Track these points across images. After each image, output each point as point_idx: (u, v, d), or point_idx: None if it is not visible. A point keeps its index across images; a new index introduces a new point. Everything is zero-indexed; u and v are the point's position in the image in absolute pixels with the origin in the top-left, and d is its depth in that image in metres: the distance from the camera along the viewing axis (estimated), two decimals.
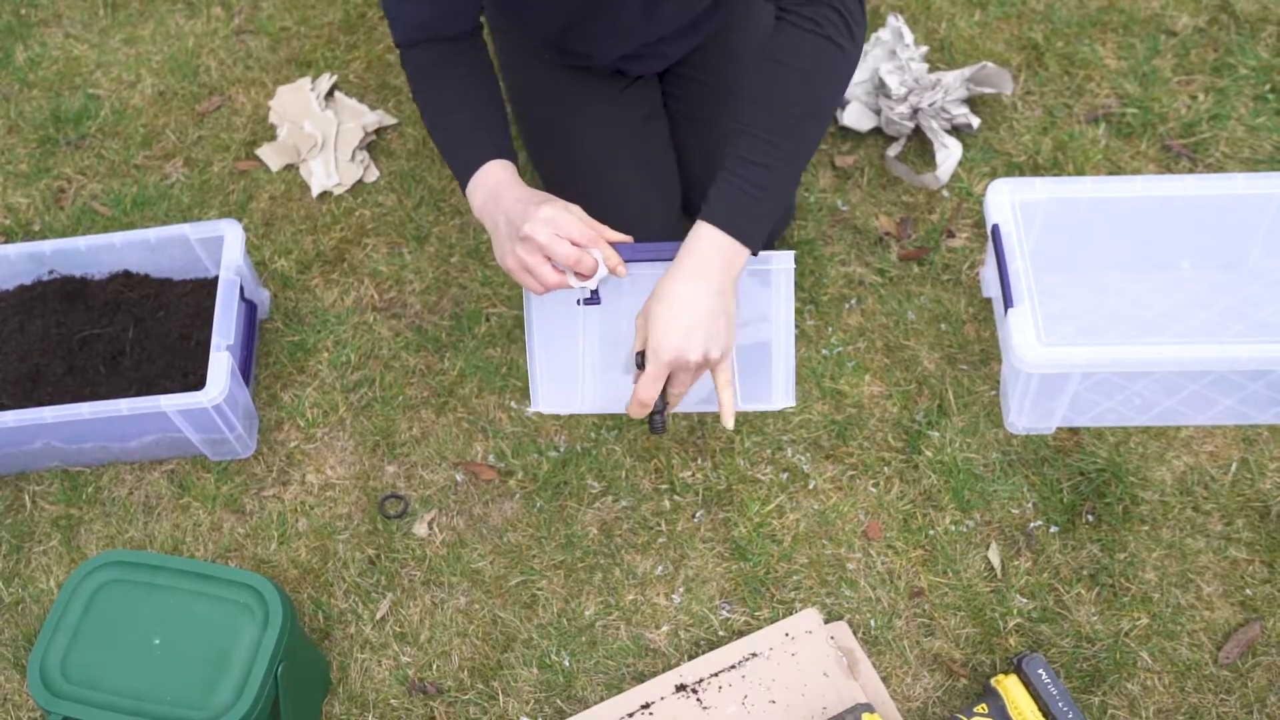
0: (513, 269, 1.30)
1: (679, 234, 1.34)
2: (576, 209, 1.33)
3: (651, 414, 1.35)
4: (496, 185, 1.33)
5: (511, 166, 1.36)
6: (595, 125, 1.69)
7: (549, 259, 1.29)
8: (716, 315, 1.25)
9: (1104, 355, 1.51)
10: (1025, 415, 1.62)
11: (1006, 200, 1.64)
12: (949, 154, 1.90)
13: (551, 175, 1.81)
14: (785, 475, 1.64)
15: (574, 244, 1.28)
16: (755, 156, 1.24)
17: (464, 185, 1.37)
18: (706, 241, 1.24)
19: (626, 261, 1.33)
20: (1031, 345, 1.51)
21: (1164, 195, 1.66)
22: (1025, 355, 1.51)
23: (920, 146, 1.97)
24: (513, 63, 1.79)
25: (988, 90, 1.97)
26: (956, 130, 1.97)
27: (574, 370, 1.48)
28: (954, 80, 1.96)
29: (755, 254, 1.26)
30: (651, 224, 1.72)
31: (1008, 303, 1.55)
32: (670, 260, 1.30)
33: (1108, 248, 1.73)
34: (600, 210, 1.72)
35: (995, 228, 1.62)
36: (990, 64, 1.98)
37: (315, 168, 2.01)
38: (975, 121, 1.95)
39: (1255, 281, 1.75)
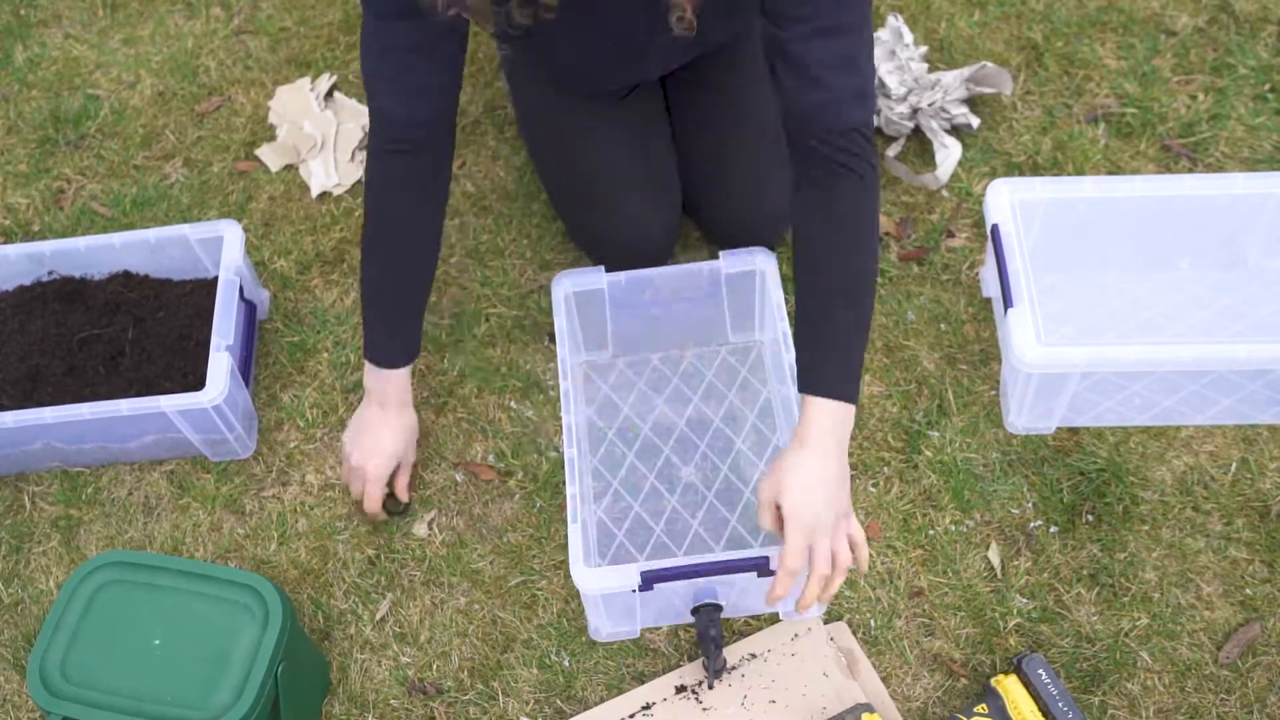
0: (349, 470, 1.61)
1: (675, 240, 1.42)
2: (405, 465, 1.63)
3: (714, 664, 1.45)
4: (386, 392, 1.57)
5: (409, 373, 1.58)
6: (596, 133, 1.70)
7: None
8: (843, 479, 1.34)
9: (1103, 355, 1.51)
10: (1025, 415, 1.62)
11: (1006, 200, 1.64)
12: (948, 154, 1.90)
13: (553, 181, 1.81)
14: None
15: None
16: (834, 324, 1.34)
17: (372, 359, 1.55)
18: (815, 414, 1.32)
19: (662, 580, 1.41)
20: (1031, 345, 1.51)
21: (1163, 195, 1.66)
22: (1025, 355, 1.51)
23: (920, 146, 1.97)
24: (516, 73, 1.79)
25: (987, 90, 1.97)
26: (956, 130, 1.97)
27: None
28: (953, 80, 1.96)
29: (853, 402, 1.34)
30: (653, 231, 1.72)
31: (1007, 303, 1.55)
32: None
33: (1107, 248, 1.74)
34: (601, 216, 1.73)
35: (995, 228, 1.62)
36: (990, 64, 1.98)
37: (315, 168, 2.01)
38: (975, 121, 1.95)
39: (1254, 281, 1.75)
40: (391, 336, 1.54)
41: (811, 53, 1.28)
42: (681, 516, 1.61)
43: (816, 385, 1.32)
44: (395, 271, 1.51)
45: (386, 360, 1.54)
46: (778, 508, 1.31)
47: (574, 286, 1.65)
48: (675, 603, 1.46)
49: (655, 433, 1.68)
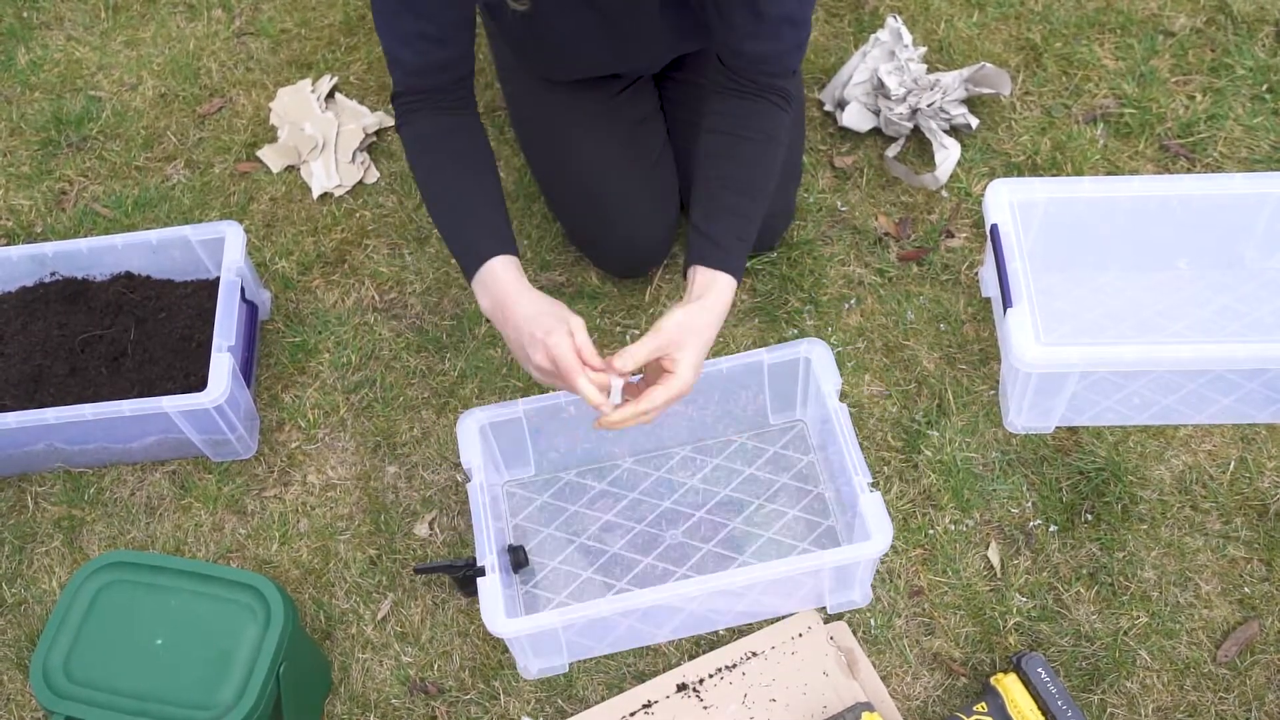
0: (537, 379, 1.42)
1: (674, 240, 1.40)
2: (577, 324, 1.36)
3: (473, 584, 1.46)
4: (502, 294, 1.40)
5: (513, 264, 1.42)
6: (590, 133, 1.70)
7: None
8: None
9: (1102, 354, 1.52)
10: (1024, 415, 1.63)
11: (1005, 200, 1.65)
12: (948, 154, 1.91)
13: (549, 183, 1.81)
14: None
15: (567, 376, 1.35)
16: (740, 210, 1.44)
17: (468, 276, 1.43)
18: (725, 288, 1.41)
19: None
20: (1030, 345, 1.52)
21: (1162, 195, 1.66)
22: (1024, 355, 1.51)
23: (919, 147, 1.98)
24: (508, 72, 1.80)
25: (986, 91, 1.97)
26: (955, 130, 1.98)
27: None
28: (953, 81, 1.96)
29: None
30: (650, 230, 1.73)
31: (1006, 302, 1.55)
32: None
33: (1106, 247, 1.74)
34: (597, 218, 1.73)
35: (994, 228, 1.62)
36: (989, 64, 1.98)
37: (316, 169, 2.01)
38: (974, 122, 1.96)
39: (1252, 280, 1.75)
40: (473, 236, 1.43)
41: (778, 7, 1.39)
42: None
43: (727, 262, 1.41)
44: (454, 184, 1.46)
45: (475, 259, 1.41)
46: (664, 357, 1.36)
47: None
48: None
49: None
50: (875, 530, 1.40)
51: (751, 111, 1.45)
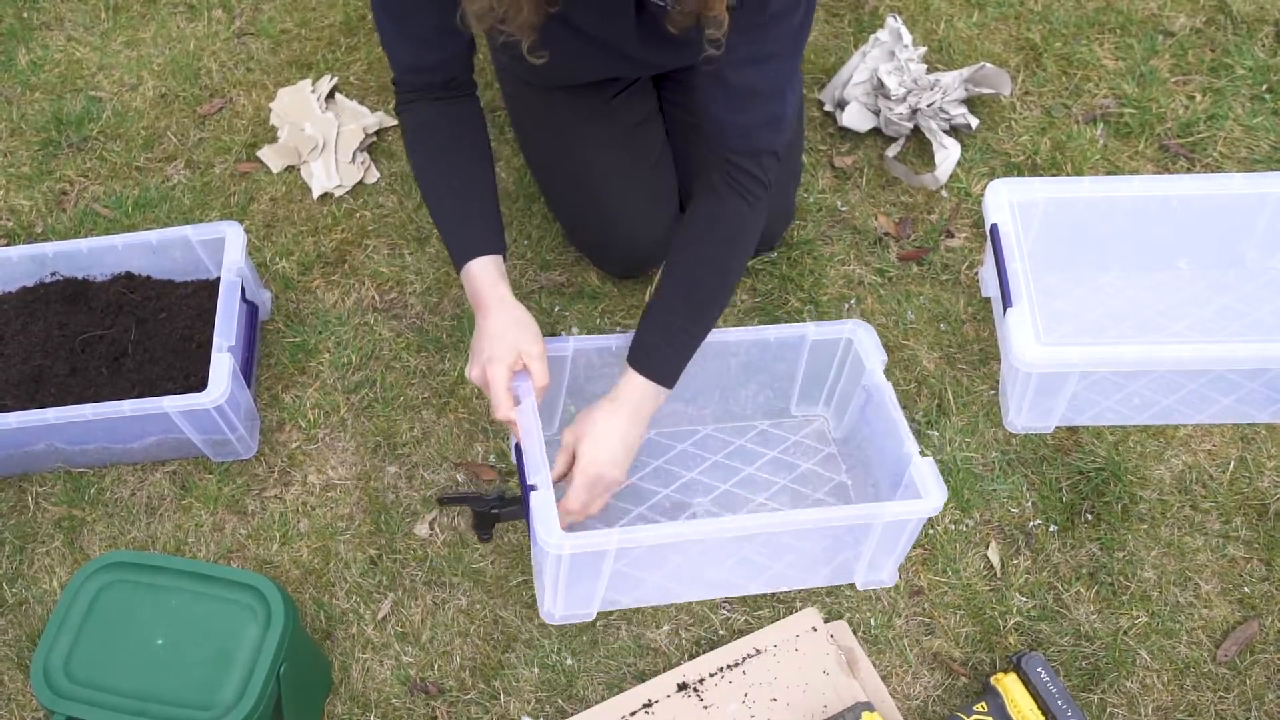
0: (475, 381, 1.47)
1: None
2: (530, 353, 1.43)
3: (492, 525, 1.57)
4: (477, 298, 1.46)
5: (493, 265, 1.46)
6: (590, 134, 1.70)
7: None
8: (632, 447, 1.46)
9: (1103, 354, 1.52)
10: (1024, 415, 1.63)
11: (1005, 200, 1.65)
12: (948, 154, 1.91)
13: (549, 184, 1.82)
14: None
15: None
16: (678, 322, 1.46)
17: (456, 268, 1.48)
18: (636, 386, 1.45)
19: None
20: (1030, 345, 1.52)
21: (1161, 195, 1.66)
22: (1024, 355, 1.51)
23: (919, 147, 1.98)
24: (508, 73, 1.80)
25: (986, 91, 1.98)
26: (955, 131, 1.98)
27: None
28: (952, 81, 1.96)
29: (670, 389, 1.47)
30: (650, 230, 1.73)
31: (1006, 302, 1.55)
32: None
33: (1106, 247, 1.74)
34: (597, 218, 1.73)
35: (994, 228, 1.63)
36: (988, 64, 1.98)
37: (316, 169, 2.01)
38: (974, 122, 1.96)
39: (1252, 280, 1.75)
40: (461, 232, 1.48)
41: (741, 78, 1.37)
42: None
43: (649, 367, 1.45)
44: (448, 174, 1.49)
45: (460, 256, 1.47)
46: (573, 454, 1.44)
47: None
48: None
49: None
50: (928, 492, 1.41)
51: (718, 215, 1.46)
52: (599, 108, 1.70)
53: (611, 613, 1.55)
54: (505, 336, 1.42)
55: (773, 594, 1.55)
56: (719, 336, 1.57)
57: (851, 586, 1.55)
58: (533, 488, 1.39)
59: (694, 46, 1.33)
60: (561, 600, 1.49)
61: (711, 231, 1.46)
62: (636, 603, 1.52)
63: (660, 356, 1.45)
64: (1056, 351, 1.52)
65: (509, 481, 1.67)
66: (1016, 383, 1.58)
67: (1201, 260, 1.76)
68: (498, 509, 1.52)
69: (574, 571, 1.43)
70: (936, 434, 1.67)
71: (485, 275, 1.45)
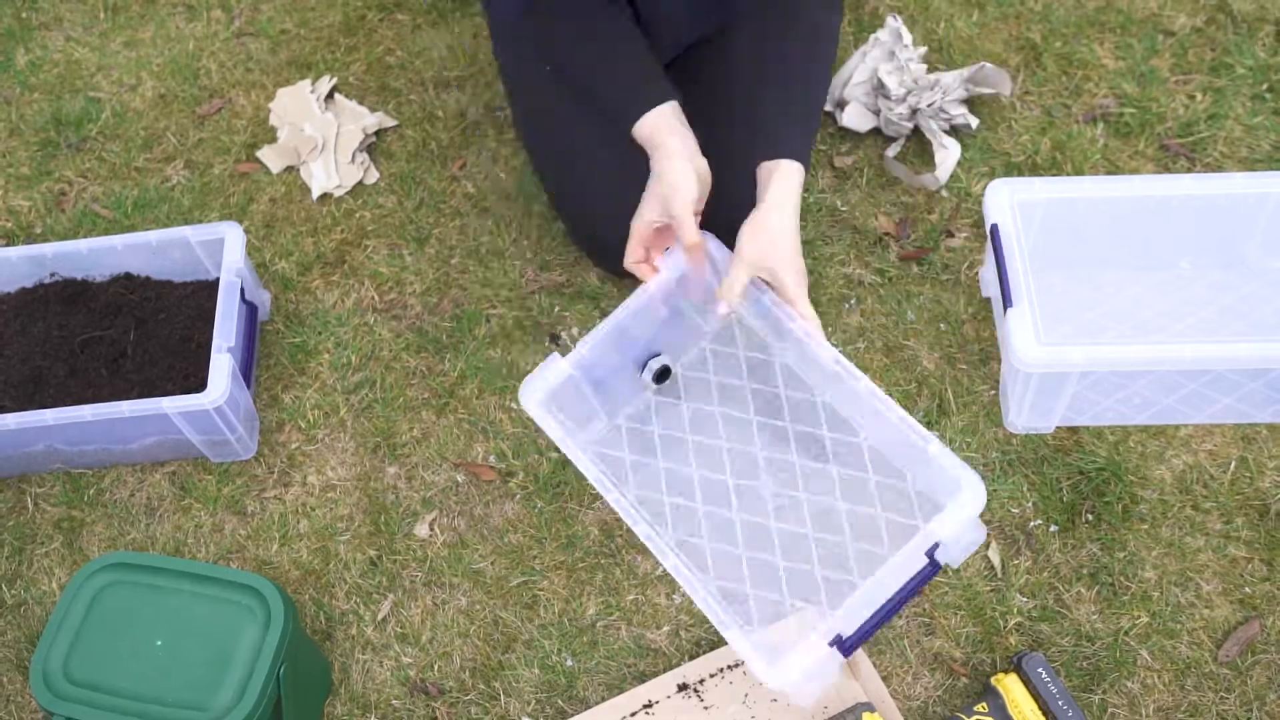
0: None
1: None
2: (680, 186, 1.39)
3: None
4: (662, 141, 1.42)
5: (672, 109, 1.42)
6: (594, 131, 1.70)
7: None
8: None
9: (1103, 354, 1.52)
10: (1025, 415, 1.63)
11: (1005, 200, 1.65)
12: (948, 154, 1.91)
13: (552, 181, 1.81)
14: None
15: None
16: (785, 92, 1.43)
17: (630, 124, 1.45)
18: (797, 178, 1.40)
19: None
20: (1031, 345, 1.51)
21: (1162, 195, 1.66)
22: (1025, 355, 1.51)
23: (919, 147, 1.98)
24: (512, 69, 1.80)
25: (986, 90, 1.97)
26: (955, 130, 1.98)
27: None
28: (952, 81, 1.96)
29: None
30: None
31: (1007, 302, 1.55)
32: None
33: (1106, 247, 1.74)
34: (600, 215, 1.72)
35: (994, 227, 1.62)
36: (989, 64, 1.98)
37: (315, 170, 2.01)
38: (974, 122, 1.96)
39: (1254, 280, 1.75)
40: (634, 87, 1.45)
41: None
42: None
43: (793, 150, 1.39)
44: (597, 40, 1.48)
45: (630, 113, 1.43)
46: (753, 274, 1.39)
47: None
48: None
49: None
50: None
51: (786, 12, 1.43)
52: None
53: (612, 612, 1.55)
54: (688, 180, 1.38)
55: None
56: None
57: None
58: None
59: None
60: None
61: (788, 23, 1.44)
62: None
63: (802, 136, 1.40)
64: (1057, 352, 1.51)
65: (508, 482, 1.67)
66: (1017, 383, 1.58)
67: (1203, 260, 1.76)
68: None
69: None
70: (936, 434, 1.66)
71: (660, 125, 1.42)
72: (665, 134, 1.41)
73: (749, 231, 1.37)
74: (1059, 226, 1.70)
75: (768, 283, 1.42)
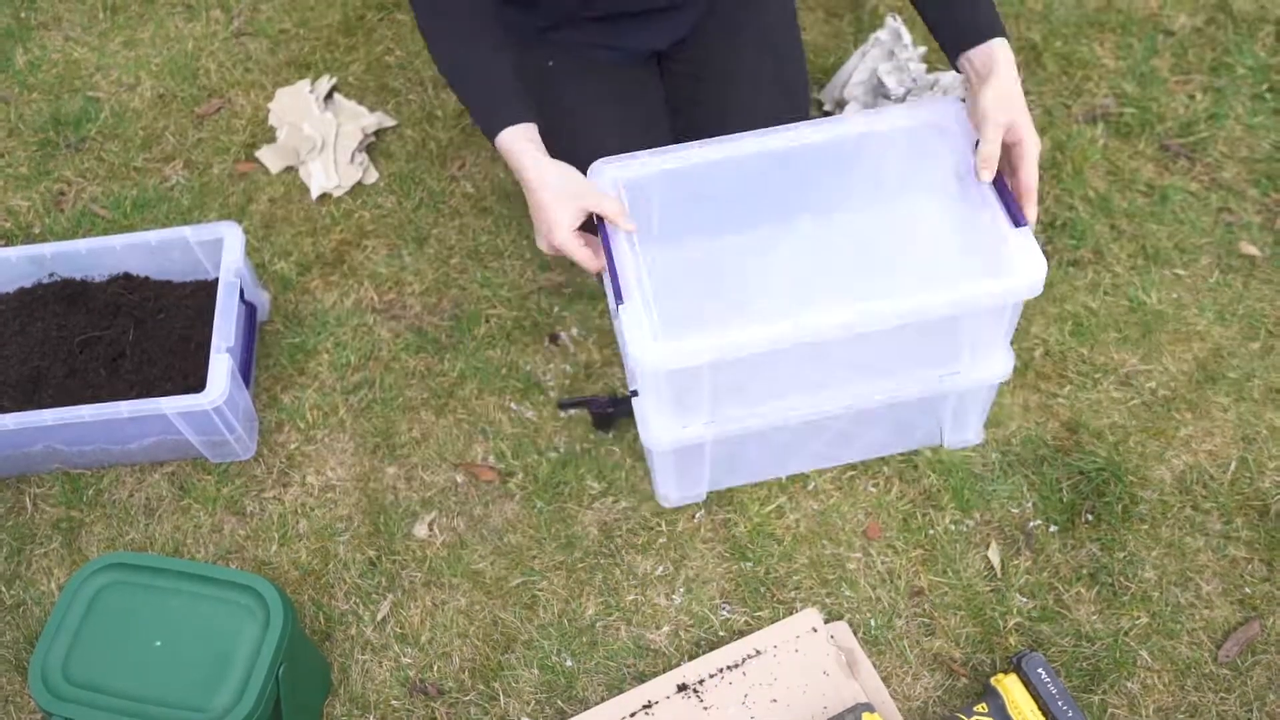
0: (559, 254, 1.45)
1: None
2: (588, 202, 1.40)
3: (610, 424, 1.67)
4: (512, 163, 1.44)
5: (522, 132, 1.43)
6: (597, 121, 1.69)
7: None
8: None
9: (733, 340, 1.32)
10: (667, 429, 1.44)
11: (609, 181, 1.47)
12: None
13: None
14: (785, 475, 1.64)
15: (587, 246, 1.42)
16: None
17: (489, 139, 1.46)
18: (1010, 50, 1.44)
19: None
20: (648, 344, 1.31)
21: (770, 150, 1.48)
22: (643, 356, 1.31)
23: None
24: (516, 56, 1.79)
25: None
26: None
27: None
28: (952, 80, 1.96)
29: None
30: None
31: (618, 298, 1.35)
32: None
33: (720, 219, 1.54)
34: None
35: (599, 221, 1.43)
36: None
37: (314, 170, 2.01)
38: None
39: (872, 225, 1.58)
40: (489, 102, 1.46)
41: None
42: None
43: (998, 29, 1.44)
44: (463, 49, 1.48)
45: (487, 127, 1.45)
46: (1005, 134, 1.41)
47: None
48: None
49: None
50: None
51: None
52: (605, 90, 1.68)
53: (611, 613, 1.55)
54: (556, 199, 1.40)
55: (773, 595, 1.55)
56: None
57: (852, 586, 1.55)
58: (634, 394, 1.44)
59: None
60: (674, 485, 1.56)
61: None
62: (747, 478, 1.59)
63: (993, 18, 1.44)
64: (681, 346, 1.30)
65: (507, 482, 1.67)
66: (648, 386, 1.41)
67: (822, 216, 1.55)
68: (612, 409, 1.65)
69: (679, 460, 1.50)
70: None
71: (520, 144, 1.43)
72: (517, 155, 1.43)
73: (995, 99, 1.41)
74: (676, 201, 1.51)
75: (1008, 148, 1.43)
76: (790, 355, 1.37)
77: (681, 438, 1.46)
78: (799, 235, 1.58)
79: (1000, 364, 1.50)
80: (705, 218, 1.55)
